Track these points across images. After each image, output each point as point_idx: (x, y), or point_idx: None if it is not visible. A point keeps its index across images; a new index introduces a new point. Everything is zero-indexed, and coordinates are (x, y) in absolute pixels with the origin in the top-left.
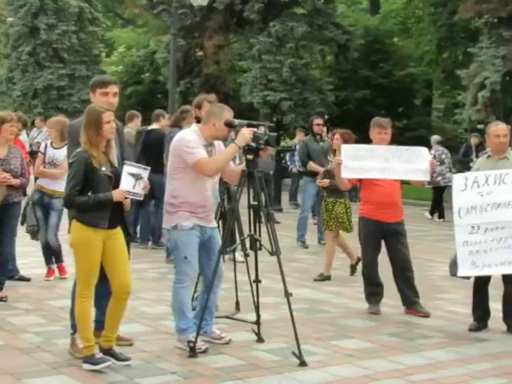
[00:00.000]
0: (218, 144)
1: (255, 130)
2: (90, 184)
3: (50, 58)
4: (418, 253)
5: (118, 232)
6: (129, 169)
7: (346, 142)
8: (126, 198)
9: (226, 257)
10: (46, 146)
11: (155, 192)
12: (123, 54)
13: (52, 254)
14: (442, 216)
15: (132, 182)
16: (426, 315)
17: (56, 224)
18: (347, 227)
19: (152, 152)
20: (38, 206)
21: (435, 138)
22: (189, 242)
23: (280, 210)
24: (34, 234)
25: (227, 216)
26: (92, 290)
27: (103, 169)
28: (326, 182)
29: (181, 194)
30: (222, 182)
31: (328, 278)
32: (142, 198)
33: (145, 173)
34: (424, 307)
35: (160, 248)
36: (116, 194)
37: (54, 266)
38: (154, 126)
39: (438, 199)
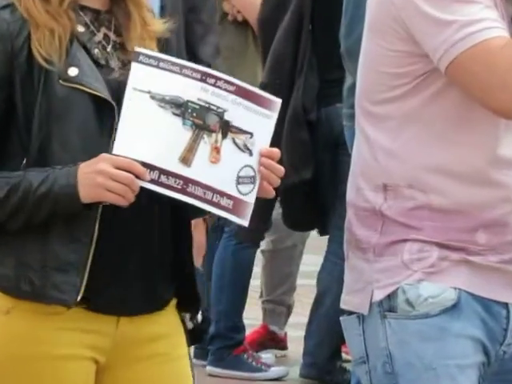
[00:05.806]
0: None
1: None
2: (22, 125)
3: None
4: None
5: (162, 336)
6: (160, 76)
7: None
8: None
9: None
10: None
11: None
12: None
13: None
14: None
15: (180, 131)
16: None
17: None
18: None
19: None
20: None
21: None
22: None
23: None
24: None
25: None
26: None
27: (71, 73)
28: None
29: (412, 175)
30: None
31: None
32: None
33: (234, 107)
34: None
35: None
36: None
37: None
38: None
39: None
